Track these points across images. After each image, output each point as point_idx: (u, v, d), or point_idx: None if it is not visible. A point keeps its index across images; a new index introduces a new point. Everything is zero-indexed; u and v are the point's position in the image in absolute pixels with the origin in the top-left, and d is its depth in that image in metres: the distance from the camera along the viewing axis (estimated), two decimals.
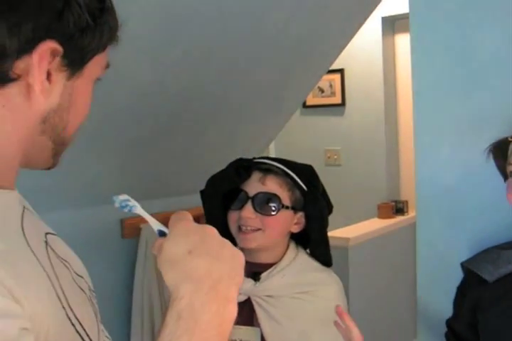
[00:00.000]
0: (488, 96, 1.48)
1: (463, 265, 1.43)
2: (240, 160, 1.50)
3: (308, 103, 3.90)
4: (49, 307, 0.64)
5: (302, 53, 2.15)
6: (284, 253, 1.45)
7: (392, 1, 3.33)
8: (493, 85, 1.46)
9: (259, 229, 1.38)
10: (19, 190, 0.73)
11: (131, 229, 2.13)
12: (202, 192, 1.52)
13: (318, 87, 3.82)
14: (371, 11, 2.29)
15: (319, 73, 2.46)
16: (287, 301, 1.39)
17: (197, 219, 0.71)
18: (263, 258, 1.43)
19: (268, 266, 1.42)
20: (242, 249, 1.35)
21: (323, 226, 1.48)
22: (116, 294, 2.13)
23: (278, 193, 1.40)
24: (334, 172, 3.84)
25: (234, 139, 2.33)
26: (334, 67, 2.77)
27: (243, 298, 1.38)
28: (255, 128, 2.40)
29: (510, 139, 1.31)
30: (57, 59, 0.65)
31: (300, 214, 1.44)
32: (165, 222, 0.73)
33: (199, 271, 0.64)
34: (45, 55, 0.64)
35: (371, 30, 3.53)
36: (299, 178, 1.43)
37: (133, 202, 0.74)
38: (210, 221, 1.49)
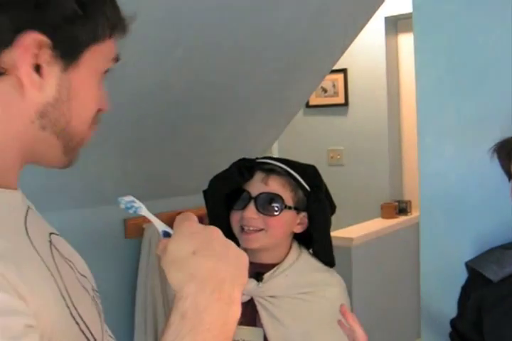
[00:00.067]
0: (491, 96, 1.48)
1: (467, 265, 1.42)
2: (243, 160, 1.50)
3: (311, 103, 3.89)
4: (53, 306, 0.64)
5: (305, 53, 2.15)
6: (287, 254, 1.44)
7: (394, 1, 3.33)
8: (497, 85, 1.46)
9: (261, 230, 1.38)
10: (22, 190, 0.74)
11: (134, 229, 2.13)
12: (205, 192, 1.52)
13: (321, 87, 3.82)
14: (374, 12, 2.29)
15: (322, 73, 2.45)
16: (290, 301, 1.39)
17: (200, 219, 0.71)
18: (266, 258, 1.42)
19: (271, 266, 1.42)
20: (245, 249, 1.35)
21: (326, 226, 1.48)
22: (120, 294, 2.13)
23: (281, 193, 1.39)
24: (337, 172, 3.83)
25: (237, 139, 2.33)
26: (337, 67, 2.77)
27: (246, 299, 1.38)
28: (258, 128, 2.40)
29: None
30: (47, 51, 0.64)
31: (303, 215, 1.44)
32: (168, 221, 0.73)
33: (203, 271, 0.64)
34: (29, 47, 0.62)
35: (374, 30, 3.52)
36: (302, 178, 1.43)
37: (138, 204, 0.75)
38: (213, 221, 1.49)
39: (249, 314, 1.37)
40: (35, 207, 0.79)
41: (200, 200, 1.59)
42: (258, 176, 1.42)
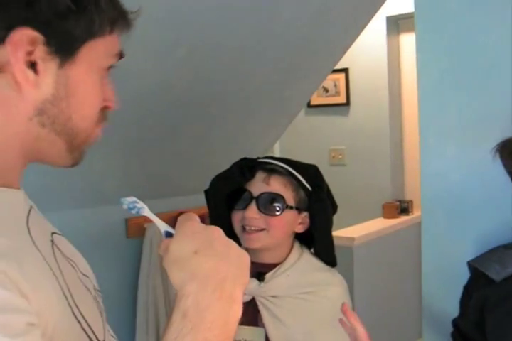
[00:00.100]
0: (493, 96, 1.47)
1: (469, 264, 1.42)
2: (244, 159, 1.50)
3: (312, 103, 3.89)
4: (55, 304, 0.64)
5: (307, 53, 2.15)
6: (289, 254, 1.44)
7: (396, 0, 3.33)
8: (498, 84, 1.46)
9: (263, 229, 1.38)
10: (24, 190, 0.74)
11: (135, 228, 2.13)
12: (206, 192, 1.52)
13: (323, 87, 3.82)
14: (376, 11, 2.29)
15: (324, 73, 2.46)
16: (292, 301, 1.39)
17: (201, 219, 0.71)
18: (267, 258, 1.42)
19: (272, 266, 1.42)
20: (247, 249, 1.35)
21: (328, 226, 1.48)
22: (121, 293, 2.13)
23: (282, 193, 1.39)
24: (339, 171, 3.84)
25: (238, 139, 2.33)
26: (339, 66, 2.77)
27: (247, 298, 1.38)
28: (260, 128, 2.40)
29: None
30: (41, 47, 0.63)
31: (304, 214, 1.44)
32: (169, 221, 0.73)
33: (205, 270, 0.64)
34: (20, 43, 0.62)
35: (376, 29, 3.52)
36: (304, 178, 1.43)
37: (141, 204, 0.75)
38: (214, 221, 1.49)
39: (251, 314, 1.37)
40: (37, 206, 0.79)
41: (201, 200, 1.59)
42: (259, 176, 1.42)
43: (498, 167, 1.37)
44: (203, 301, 0.63)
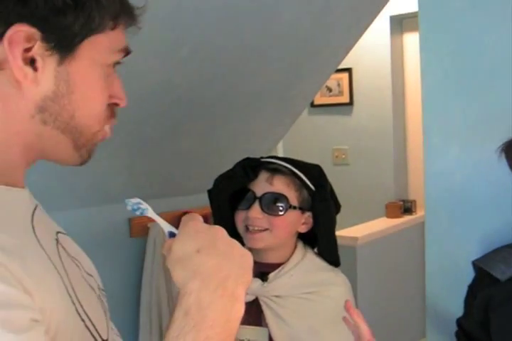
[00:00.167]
0: (497, 95, 1.47)
1: (474, 264, 1.42)
2: (248, 159, 1.50)
3: (316, 102, 3.89)
4: (59, 302, 0.64)
5: (310, 53, 2.15)
6: (292, 253, 1.44)
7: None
8: (502, 84, 1.46)
9: (266, 229, 1.38)
10: (28, 189, 0.74)
11: (139, 228, 2.14)
12: (209, 192, 1.52)
13: (326, 86, 3.82)
14: (379, 11, 2.29)
15: (327, 72, 2.45)
16: (295, 301, 1.39)
17: (205, 219, 0.72)
18: (271, 258, 1.42)
19: (276, 266, 1.42)
20: (250, 249, 1.35)
21: (331, 226, 1.48)
22: (125, 293, 2.14)
23: (285, 193, 1.39)
24: (342, 171, 3.83)
25: (242, 138, 2.33)
26: (342, 66, 2.77)
27: (251, 298, 1.38)
28: (263, 128, 2.40)
29: None
30: (39, 43, 0.63)
31: (308, 214, 1.44)
32: (173, 221, 0.74)
33: (207, 268, 0.64)
34: (16, 39, 0.62)
35: (379, 29, 3.52)
36: (307, 178, 1.43)
37: (145, 205, 0.75)
38: (217, 220, 1.49)
39: (254, 314, 1.37)
40: (41, 206, 0.79)
41: (204, 200, 1.59)
42: (263, 176, 1.42)
43: (502, 167, 1.37)
44: (205, 299, 0.63)
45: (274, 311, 1.37)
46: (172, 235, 0.73)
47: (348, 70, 3.76)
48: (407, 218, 3.45)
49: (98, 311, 0.75)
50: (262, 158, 1.50)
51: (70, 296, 0.67)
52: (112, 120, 0.75)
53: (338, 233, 1.52)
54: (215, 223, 1.43)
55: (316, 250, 1.51)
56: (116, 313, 0.90)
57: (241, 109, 2.17)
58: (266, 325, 1.37)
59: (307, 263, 1.44)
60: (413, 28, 3.51)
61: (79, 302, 0.68)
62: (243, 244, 1.37)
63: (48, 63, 0.65)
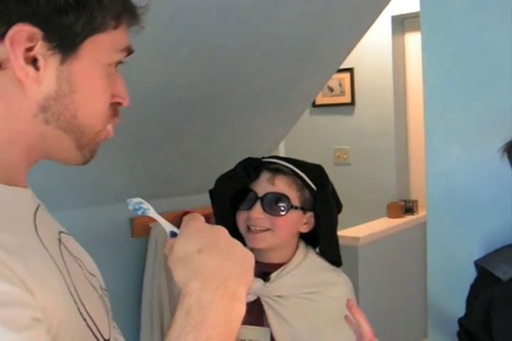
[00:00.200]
0: (499, 95, 1.47)
1: (476, 263, 1.42)
2: (249, 159, 1.49)
3: (317, 102, 3.89)
4: (61, 301, 0.64)
5: (312, 53, 2.15)
6: (294, 253, 1.44)
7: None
8: (505, 84, 1.46)
9: (268, 229, 1.38)
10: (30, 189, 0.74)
11: (140, 228, 2.14)
12: (211, 192, 1.52)
13: (328, 86, 3.81)
14: (381, 11, 2.29)
15: (329, 72, 2.45)
16: (297, 301, 1.39)
17: (206, 219, 0.72)
18: (272, 258, 1.42)
19: (277, 266, 1.42)
20: (252, 249, 1.35)
21: (333, 226, 1.48)
22: (126, 293, 2.14)
23: (287, 193, 1.39)
24: (343, 171, 3.83)
25: (243, 138, 2.33)
26: (344, 66, 2.77)
27: (253, 298, 1.38)
28: (264, 128, 2.40)
29: None
30: (41, 43, 0.63)
31: (309, 214, 1.44)
32: (174, 221, 0.74)
33: (208, 268, 0.64)
34: (18, 39, 0.62)
35: (381, 29, 3.52)
36: (309, 178, 1.43)
37: (146, 205, 0.75)
38: (219, 221, 1.49)
39: (256, 313, 1.37)
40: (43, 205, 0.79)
41: (206, 200, 1.59)
42: (264, 176, 1.42)
43: (503, 166, 1.37)
44: (206, 299, 0.63)
45: (275, 311, 1.37)
46: (174, 235, 0.73)
47: (350, 70, 3.76)
48: (408, 218, 3.45)
49: (100, 311, 0.75)
50: (263, 158, 1.50)
51: (72, 295, 0.67)
52: (114, 119, 0.75)
53: (339, 233, 1.52)
54: (217, 223, 1.43)
55: (317, 250, 1.51)
56: (117, 313, 0.90)
57: (242, 109, 2.17)
58: (268, 325, 1.37)
59: (309, 263, 1.44)
60: (415, 28, 3.51)
61: (81, 301, 0.68)
62: (245, 244, 1.38)
63: (50, 62, 0.65)
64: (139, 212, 0.75)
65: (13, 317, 0.55)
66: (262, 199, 1.38)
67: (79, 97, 0.68)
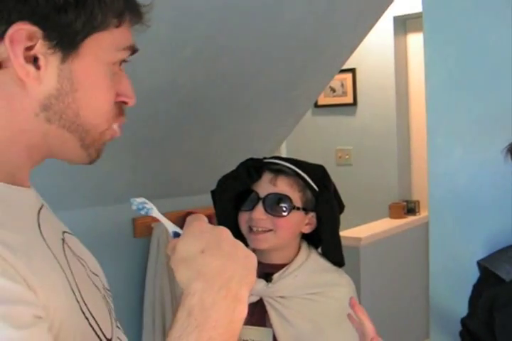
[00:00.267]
0: (501, 95, 1.47)
1: (479, 263, 1.42)
2: (251, 160, 1.49)
3: (319, 103, 3.89)
4: (63, 299, 0.64)
5: (314, 53, 2.15)
6: (296, 254, 1.44)
7: (404, 0, 3.32)
8: (507, 84, 1.45)
9: (270, 230, 1.38)
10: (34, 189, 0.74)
11: (143, 228, 2.14)
12: (213, 193, 1.52)
13: (330, 87, 3.81)
14: (383, 11, 2.29)
15: (331, 73, 2.45)
16: (299, 302, 1.39)
17: (209, 219, 0.72)
18: (275, 258, 1.42)
19: (280, 266, 1.42)
20: (254, 250, 1.35)
21: (335, 226, 1.48)
22: (128, 293, 2.14)
23: (289, 194, 1.39)
24: (345, 172, 3.83)
25: (245, 139, 2.33)
26: (346, 66, 2.77)
27: (255, 299, 1.37)
28: (266, 128, 2.40)
29: None
30: (41, 41, 0.63)
31: (311, 215, 1.44)
32: (177, 221, 0.74)
33: (211, 269, 0.64)
34: (18, 38, 0.62)
35: (383, 29, 3.51)
36: (311, 179, 1.43)
37: (150, 205, 0.75)
38: (221, 221, 1.49)
39: (259, 314, 1.37)
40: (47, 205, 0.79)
41: (208, 200, 1.59)
42: (266, 176, 1.42)
43: (506, 167, 1.37)
44: (208, 299, 0.63)
45: (278, 312, 1.37)
46: (176, 235, 0.73)
47: (352, 71, 3.76)
48: (410, 218, 3.44)
49: (103, 310, 0.76)
50: (265, 158, 1.50)
51: (75, 294, 0.67)
52: (120, 119, 0.75)
53: (341, 233, 1.52)
54: (219, 224, 1.43)
55: (320, 250, 1.51)
56: (119, 313, 0.90)
57: (244, 109, 2.17)
58: (270, 326, 1.36)
59: (311, 263, 1.44)
60: (417, 29, 3.51)
61: (83, 300, 0.68)
62: (247, 245, 1.38)
63: (51, 61, 0.65)
64: (143, 212, 0.75)
65: (14, 314, 0.55)
66: (264, 200, 1.38)
67: (81, 96, 0.67)
